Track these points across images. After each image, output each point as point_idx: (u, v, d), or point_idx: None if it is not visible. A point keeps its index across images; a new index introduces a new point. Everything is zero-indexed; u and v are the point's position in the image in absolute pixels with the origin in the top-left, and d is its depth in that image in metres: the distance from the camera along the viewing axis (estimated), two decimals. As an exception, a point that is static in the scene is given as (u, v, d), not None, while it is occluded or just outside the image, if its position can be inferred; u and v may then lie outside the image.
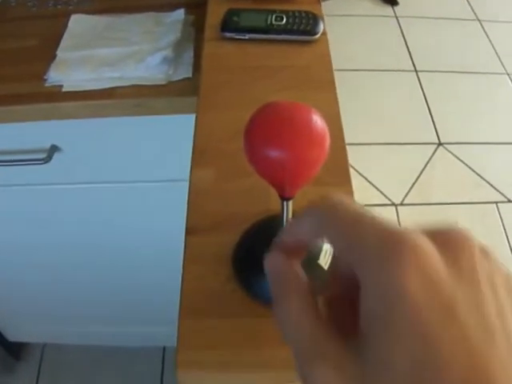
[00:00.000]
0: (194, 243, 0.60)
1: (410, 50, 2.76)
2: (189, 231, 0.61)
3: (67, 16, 1.09)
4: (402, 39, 2.82)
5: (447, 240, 0.27)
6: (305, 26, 0.82)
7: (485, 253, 0.27)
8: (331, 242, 0.28)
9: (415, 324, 0.24)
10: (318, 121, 0.41)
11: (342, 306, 0.31)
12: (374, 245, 0.26)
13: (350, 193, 0.65)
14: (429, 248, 0.25)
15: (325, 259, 0.54)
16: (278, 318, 0.29)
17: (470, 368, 0.23)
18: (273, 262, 0.32)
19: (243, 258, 0.58)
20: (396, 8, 3.02)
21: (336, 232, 0.28)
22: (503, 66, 2.69)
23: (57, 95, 0.96)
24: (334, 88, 0.76)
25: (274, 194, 0.58)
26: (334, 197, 0.29)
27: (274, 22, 0.83)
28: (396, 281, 0.24)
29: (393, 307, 0.24)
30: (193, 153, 0.68)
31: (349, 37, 2.68)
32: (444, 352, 0.23)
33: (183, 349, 0.52)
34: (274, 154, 0.41)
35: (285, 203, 0.49)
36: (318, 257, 0.55)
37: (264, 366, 0.51)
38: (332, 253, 0.56)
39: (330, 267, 0.33)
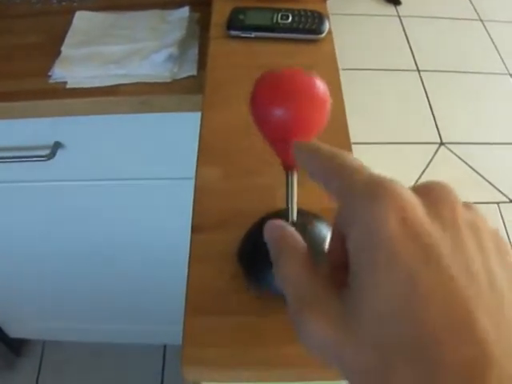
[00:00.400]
0: (200, 241, 0.60)
1: (413, 50, 2.75)
2: (194, 229, 0.61)
3: (72, 13, 1.09)
4: (405, 38, 2.82)
5: (429, 192, 0.28)
6: (310, 25, 0.82)
7: (468, 206, 0.29)
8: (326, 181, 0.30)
9: (394, 262, 0.25)
10: (320, 85, 0.43)
11: (338, 270, 0.31)
12: (360, 190, 0.27)
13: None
14: (410, 195, 0.27)
15: None
16: (277, 275, 0.31)
17: (449, 300, 0.24)
18: (271, 227, 0.33)
19: (249, 251, 0.58)
20: (398, 7, 3.02)
21: (329, 174, 0.30)
22: (505, 66, 2.69)
23: (61, 92, 0.96)
24: (340, 87, 0.76)
25: (279, 192, 0.58)
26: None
27: (279, 20, 0.83)
28: (377, 223, 0.25)
29: (373, 247, 0.25)
30: (198, 151, 0.68)
31: (350, 36, 2.67)
32: (423, 287, 0.24)
33: (188, 346, 0.52)
34: (278, 112, 0.43)
35: (289, 175, 0.49)
36: (324, 250, 0.55)
37: (269, 363, 0.51)
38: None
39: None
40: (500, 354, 0.24)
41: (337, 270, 0.31)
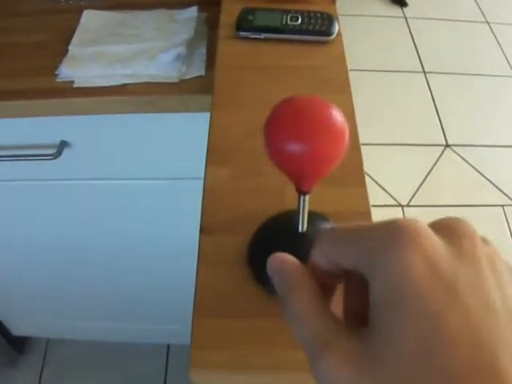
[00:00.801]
0: (208, 242, 0.60)
1: (419, 51, 2.75)
2: (203, 230, 0.61)
3: (79, 11, 1.09)
4: (411, 40, 2.82)
5: (447, 227, 0.28)
6: (320, 27, 0.82)
7: (485, 240, 0.29)
8: (344, 259, 0.29)
9: (421, 304, 0.25)
10: (338, 116, 0.42)
11: (352, 303, 0.32)
12: (376, 238, 0.27)
13: (364, 193, 0.64)
14: (429, 233, 0.27)
15: None
16: (286, 315, 0.30)
17: (474, 345, 0.24)
18: (275, 261, 0.32)
19: (259, 253, 0.58)
20: (405, 9, 3.02)
21: (345, 242, 0.29)
22: (511, 68, 2.68)
23: (68, 91, 0.96)
24: (349, 88, 0.75)
25: (288, 192, 0.58)
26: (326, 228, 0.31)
27: (289, 21, 0.83)
28: (401, 264, 0.25)
29: (399, 289, 0.25)
30: (207, 151, 0.68)
31: (357, 37, 2.67)
32: (449, 330, 0.24)
33: (196, 349, 0.52)
34: (294, 147, 0.41)
35: (301, 197, 0.50)
36: None
37: (278, 367, 0.51)
38: None
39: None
40: None
41: (351, 308, 0.31)
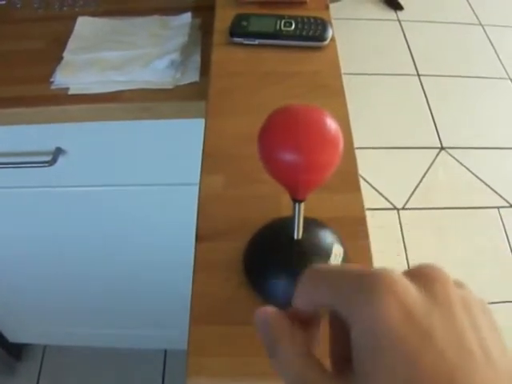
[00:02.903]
0: (204, 249, 0.60)
1: (413, 54, 2.76)
2: (199, 237, 0.61)
3: (73, 18, 1.08)
4: (405, 43, 2.83)
5: (421, 273, 0.29)
6: (314, 32, 0.82)
7: (458, 283, 0.30)
8: (325, 301, 0.31)
9: (398, 347, 0.26)
10: (332, 124, 0.42)
11: (338, 347, 0.33)
12: (354, 288, 0.28)
13: (360, 198, 0.65)
14: (403, 281, 0.28)
15: (335, 261, 0.56)
16: (272, 365, 0.32)
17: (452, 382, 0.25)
18: (260, 313, 0.33)
19: (255, 259, 0.58)
20: (399, 12, 3.02)
21: (324, 289, 0.30)
22: (505, 71, 2.69)
23: (63, 98, 0.96)
24: (343, 94, 0.76)
25: (284, 199, 0.58)
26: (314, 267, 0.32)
27: (283, 27, 0.83)
28: (377, 312, 0.27)
29: (376, 335, 0.27)
30: (202, 158, 0.68)
31: (351, 40, 2.68)
32: (426, 370, 0.25)
33: (193, 356, 0.52)
34: (289, 157, 0.41)
35: (297, 205, 0.50)
36: (328, 258, 0.56)
37: (275, 373, 0.51)
38: (342, 255, 0.57)
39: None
40: None
41: (338, 352, 0.32)
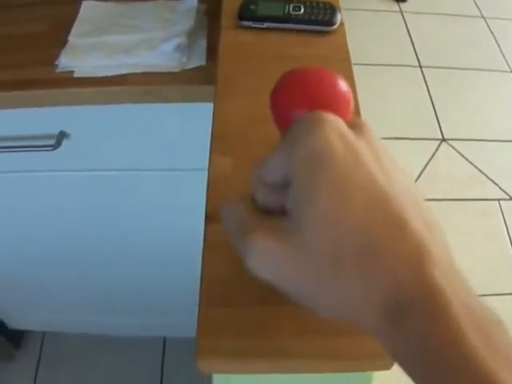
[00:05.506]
0: (214, 230, 0.59)
1: (415, 46, 2.75)
2: (208, 218, 0.60)
3: (79, 2, 1.08)
4: (407, 35, 2.82)
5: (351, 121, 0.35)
6: (323, 16, 0.82)
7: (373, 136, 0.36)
8: (274, 171, 0.35)
9: (335, 166, 0.31)
10: (343, 84, 0.43)
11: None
12: (298, 129, 0.33)
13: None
14: (335, 116, 0.33)
15: None
16: (222, 218, 0.37)
17: (374, 192, 0.30)
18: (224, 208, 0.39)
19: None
20: (402, 4, 3.02)
21: (271, 159, 0.35)
22: (507, 63, 2.69)
23: (68, 81, 0.96)
24: (353, 77, 0.76)
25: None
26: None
27: (291, 11, 0.82)
28: (318, 136, 0.31)
29: (318, 155, 0.31)
30: (211, 140, 0.68)
31: (354, 31, 2.66)
32: (358, 183, 0.30)
33: (203, 337, 0.52)
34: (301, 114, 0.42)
35: None
36: None
37: (285, 354, 0.51)
38: None
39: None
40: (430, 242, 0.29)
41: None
